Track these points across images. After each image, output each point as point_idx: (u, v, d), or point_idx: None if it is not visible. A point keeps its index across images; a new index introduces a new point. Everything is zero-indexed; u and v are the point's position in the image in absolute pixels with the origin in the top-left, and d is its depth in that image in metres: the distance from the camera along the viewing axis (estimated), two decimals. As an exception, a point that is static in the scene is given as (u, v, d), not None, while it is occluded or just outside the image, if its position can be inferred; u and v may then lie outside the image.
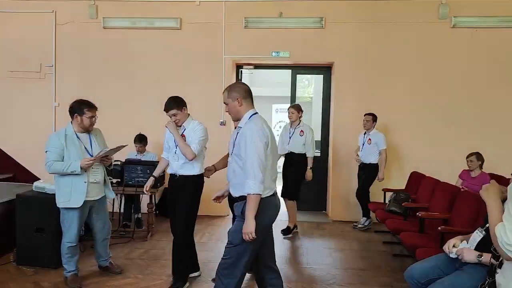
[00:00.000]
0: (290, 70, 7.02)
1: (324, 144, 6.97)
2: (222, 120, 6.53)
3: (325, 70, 6.90)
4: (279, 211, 2.80)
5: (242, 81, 7.13)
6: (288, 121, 5.73)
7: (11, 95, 6.70)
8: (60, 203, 3.63)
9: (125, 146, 4.10)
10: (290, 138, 5.54)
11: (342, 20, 6.36)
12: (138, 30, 6.58)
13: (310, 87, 13.28)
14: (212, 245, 5.07)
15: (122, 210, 5.76)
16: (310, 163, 5.50)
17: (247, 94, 2.75)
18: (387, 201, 5.33)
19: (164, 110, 3.64)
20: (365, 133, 5.98)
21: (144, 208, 5.60)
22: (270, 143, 2.66)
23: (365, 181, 5.95)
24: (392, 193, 5.26)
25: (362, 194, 5.96)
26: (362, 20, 6.35)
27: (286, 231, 5.55)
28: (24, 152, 6.68)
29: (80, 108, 3.63)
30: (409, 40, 6.32)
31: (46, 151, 3.58)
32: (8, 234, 4.23)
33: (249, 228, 2.49)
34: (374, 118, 5.91)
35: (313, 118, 11.28)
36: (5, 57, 6.67)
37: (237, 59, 6.62)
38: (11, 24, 6.67)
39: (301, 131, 5.50)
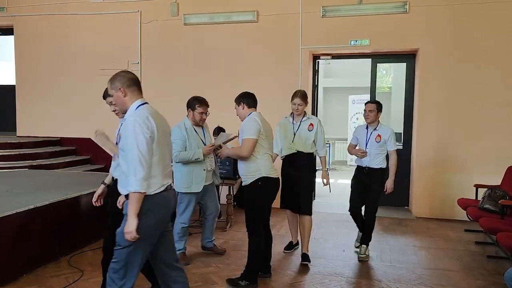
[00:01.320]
0: (370, 59, 6.73)
1: (406, 136, 6.60)
2: (298, 112, 6.45)
3: (408, 57, 6.51)
4: (173, 206, 2.62)
5: (318, 71, 6.99)
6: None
7: (102, 91, 7.19)
8: (182, 188, 3.99)
9: (235, 136, 4.20)
10: (295, 134, 4.20)
11: (428, 3, 5.93)
12: (216, 25, 6.72)
13: (388, 76, 12.69)
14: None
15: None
16: (325, 164, 4.39)
17: (132, 82, 2.53)
18: (479, 198, 4.91)
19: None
20: (367, 127, 4.46)
21: (223, 199, 5.73)
22: (158, 136, 2.42)
23: (376, 195, 4.36)
24: (486, 189, 4.83)
25: (374, 213, 4.39)
26: (449, 1, 5.88)
27: (289, 246, 4.61)
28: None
29: (193, 103, 4.01)
30: (503, 21, 5.72)
31: (172, 143, 3.88)
32: (102, 220, 4.56)
33: (129, 227, 2.29)
34: (379, 107, 4.40)
35: (392, 109, 10.77)
36: (97, 56, 7.20)
37: (314, 49, 6.49)
38: (101, 25, 7.17)
39: (311, 124, 4.20)
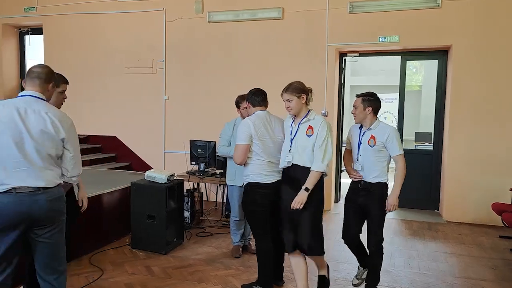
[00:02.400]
0: (400, 56, 6.47)
1: (437, 136, 6.32)
2: (324, 111, 6.29)
3: (440, 54, 6.22)
4: (16, 208, 2.25)
5: (344, 69, 6.80)
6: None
7: (128, 89, 7.25)
8: (228, 180, 4.23)
9: None
10: (291, 141, 3.11)
11: (462, -3, 5.65)
12: (240, 22, 6.63)
13: (418, 74, 12.29)
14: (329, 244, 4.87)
15: (225, 201, 5.88)
16: (310, 181, 2.96)
17: (27, 73, 2.43)
18: (516, 203, 4.63)
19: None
20: (361, 126, 3.34)
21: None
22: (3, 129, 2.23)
23: (378, 221, 3.23)
24: (523, 194, 4.54)
25: (378, 246, 3.23)
26: (486, -5, 5.58)
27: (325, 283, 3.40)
28: (138, 142, 7.23)
29: (239, 101, 4.24)
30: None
31: (220, 137, 4.30)
32: (124, 219, 4.56)
33: None
34: (368, 101, 3.24)
35: (422, 109, 10.43)
36: (122, 54, 7.23)
37: (340, 46, 6.29)
38: (127, 24, 7.20)
39: (309, 127, 3.04)
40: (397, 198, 3.21)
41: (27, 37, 8.34)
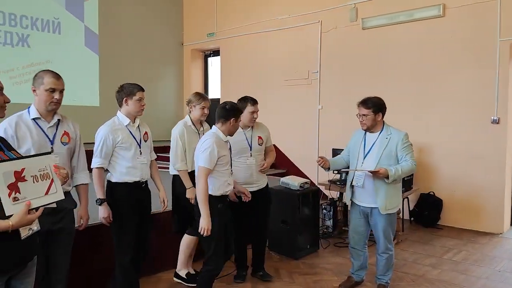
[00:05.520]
0: None
1: None
2: (495, 117, 5.39)
3: None
4: None
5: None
6: None
7: (285, 100, 7.69)
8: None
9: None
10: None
11: None
12: (396, 25, 6.28)
13: None
14: (465, 267, 4.25)
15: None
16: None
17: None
18: None
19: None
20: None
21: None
22: None
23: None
24: None
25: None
26: None
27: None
28: (293, 150, 7.56)
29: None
30: None
31: None
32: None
33: None
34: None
35: None
36: (281, 68, 7.71)
37: (517, 40, 5.32)
38: (285, 38, 7.65)
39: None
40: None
41: (209, 59, 9.72)
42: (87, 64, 8.02)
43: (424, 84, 6.03)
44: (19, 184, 1.58)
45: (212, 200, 2.95)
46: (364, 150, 3.40)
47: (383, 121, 3.43)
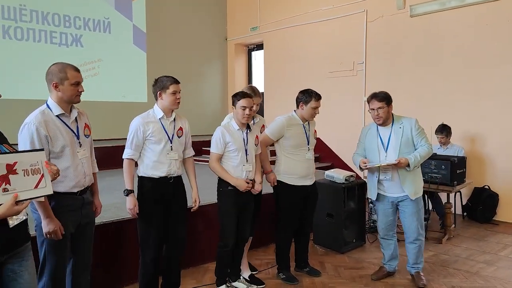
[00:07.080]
0: None
1: None
2: (558, 106, 5.03)
3: None
4: None
5: None
6: None
7: (329, 92, 7.54)
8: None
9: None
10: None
11: None
12: (447, 11, 5.99)
13: None
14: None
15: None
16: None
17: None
18: None
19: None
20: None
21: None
22: None
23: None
24: None
25: None
26: None
27: None
28: (339, 143, 7.43)
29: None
30: None
31: None
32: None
33: None
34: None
35: None
36: (325, 59, 7.60)
37: None
38: (330, 30, 7.52)
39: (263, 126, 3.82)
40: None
41: (253, 53, 9.75)
42: (135, 61, 8.29)
43: (478, 72, 5.71)
44: (10, 176, 1.68)
45: (224, 182, 3.20)
46: (383, 144, 3.47)
47: (392, 113, 3.52)
